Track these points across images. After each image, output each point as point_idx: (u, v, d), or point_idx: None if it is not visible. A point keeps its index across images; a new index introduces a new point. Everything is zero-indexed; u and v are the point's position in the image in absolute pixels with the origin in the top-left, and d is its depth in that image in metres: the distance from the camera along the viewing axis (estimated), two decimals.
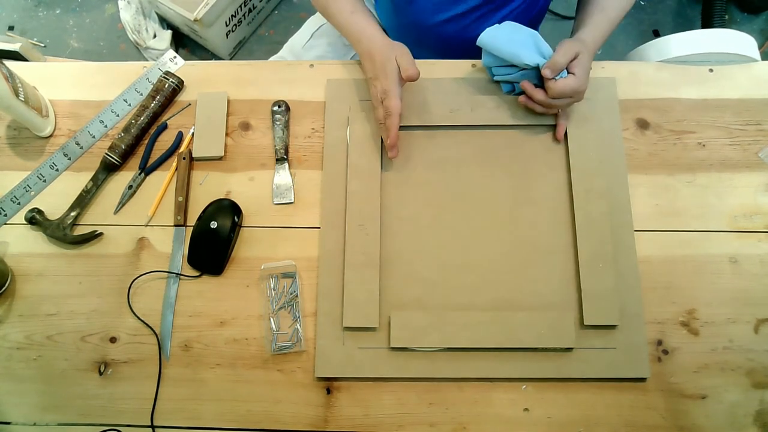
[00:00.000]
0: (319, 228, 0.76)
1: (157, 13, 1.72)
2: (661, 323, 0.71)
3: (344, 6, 0.80)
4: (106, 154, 0.78)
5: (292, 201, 0.77)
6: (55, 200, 0.78)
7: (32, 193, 0.79)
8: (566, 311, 0.70)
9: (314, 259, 0.74)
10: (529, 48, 0.72)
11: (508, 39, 0.74)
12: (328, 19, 0.84)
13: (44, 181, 0.79)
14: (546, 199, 0.75)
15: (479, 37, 0.76)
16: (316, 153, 0.80)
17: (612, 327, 0.69)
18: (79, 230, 0.77)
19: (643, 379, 0.69)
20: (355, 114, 0.79)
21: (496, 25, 0.75)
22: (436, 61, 0.84)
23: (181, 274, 0.74)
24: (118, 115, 0.82)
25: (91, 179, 0.78)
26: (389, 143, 0.73)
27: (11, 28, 1.81)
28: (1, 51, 0.99)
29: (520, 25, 0.76)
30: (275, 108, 0.81)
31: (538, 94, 0.73)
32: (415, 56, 1.01)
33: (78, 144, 0.81)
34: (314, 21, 1.04)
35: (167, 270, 0.74)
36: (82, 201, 0.77)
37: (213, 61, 1.10)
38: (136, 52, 1.75)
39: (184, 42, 1.79)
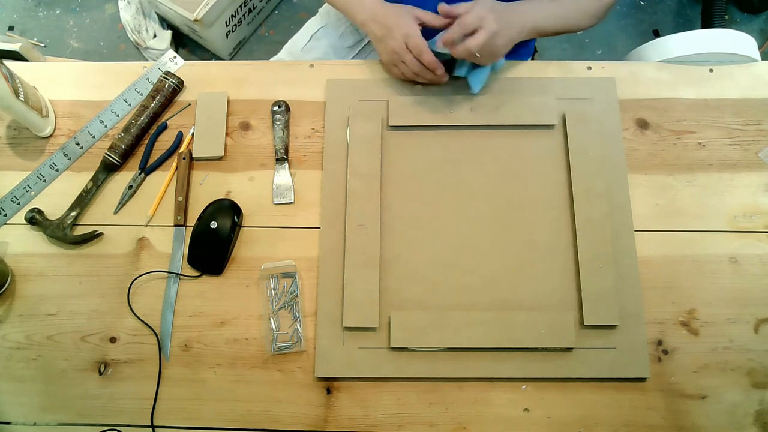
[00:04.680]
0: (319, 228, 0.76)
1: (157, 13, 1.72)
2: (661, 323, 0.71)
3: None
4: (106, 154, 0.78)
5: (292, 201, 0.77)
6: (55, 200, 0.78)
7: (32, 193, 0.79)
8: (566, 311, 0.70)
9: (314, 259, 0.74)
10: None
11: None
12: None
13: (44, 181, 0.79)
14: (546, 199, 0.75)
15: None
16: (316, 153, 0.80)
17: (612, 327, 0.69)
18: (79, 230, 0.77)
19: (643, 379, 0.69)
20: (355, 114, 0.79)
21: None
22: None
23: (181, 274, 0.74)
24: (118, 115, 0.82)
25: (91, 179, 0.78)
26: (438, 74, 0.76)
27: (11, 28, 1.81)
28: (1, 51, 0.99)
29: None
30: (275, 108, 0.81)
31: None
32: None
33: (78, 144, 0.81)
34: (313, 23, 1.04)
35: (167, 270, 0.74)
36: (82, 201, 0.77)
37: (213, 61, 1.10)
38: (136, 52, 1.75)
39: (184, 42, 1.79)
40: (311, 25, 1.04)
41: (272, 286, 0.73)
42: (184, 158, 0.78)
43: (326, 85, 0.82)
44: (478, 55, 0.72)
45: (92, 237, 0.75)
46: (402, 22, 0.75)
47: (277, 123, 0.80)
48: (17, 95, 0.75)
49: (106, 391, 0.70)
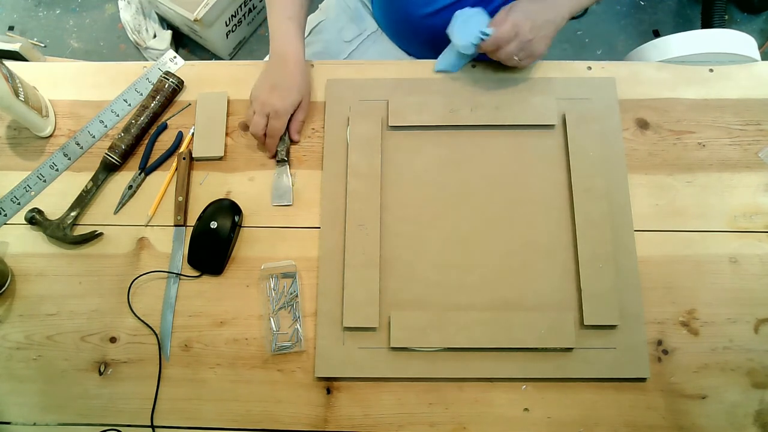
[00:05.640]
0: (319, 228, 0.76)
1: (157, 13, 1.72)
2: (661, 323, 0.71)
3: (285, 7, 0.79)
4: (106, 154, 0.78)
5: (291, 203, 0.77)
6: (55, 200, 0.78)
7: (32, 193, 0.79)
8: (566, 311, 0.70)
9: (314, 259, 0.74)
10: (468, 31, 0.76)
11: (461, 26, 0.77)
12: (267, 8, 0.82)
13: (44, 181, 0.79)
14: (546, 199, 0.75)
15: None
16: (316, 153, 0.80)
17: (612, 327, 0.69)
18: (79, 230, 0.77)
19: (643, 379, 0.69)
20: (355, 114, 0.79)
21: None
22: (436, 61, 0.84)
23: (181, 274, 0.74)
24: (118, 115, 0.82)
25: (91, 179, 0.78)
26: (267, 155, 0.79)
27: (11, 28, 1.81)
28: (1, 51, 0.99)
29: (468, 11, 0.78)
30: None
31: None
32: (407, 50, 1.02)
33: (78, 144, 0.81)
34: (311, 19, 1.04)
35: (167, 270, 0.74)
36: (82, 201, 0.77)
37: (213, 61, 1.10)
38: (136, 52, 1.75)
39: (184, 42, 1.79)
40: (311, 20, 1.04)
41: (272, 286, 0.73)
42: (184, 158, 0.78)
43: (326, 85, 0.82)
44: (516, 58, 0.74)
45: (92, 237, 0.75)
46: (287, 95, 0.76)
47: None
48: (17, 95, 0.75)
49: (106, 391, 0.70)
